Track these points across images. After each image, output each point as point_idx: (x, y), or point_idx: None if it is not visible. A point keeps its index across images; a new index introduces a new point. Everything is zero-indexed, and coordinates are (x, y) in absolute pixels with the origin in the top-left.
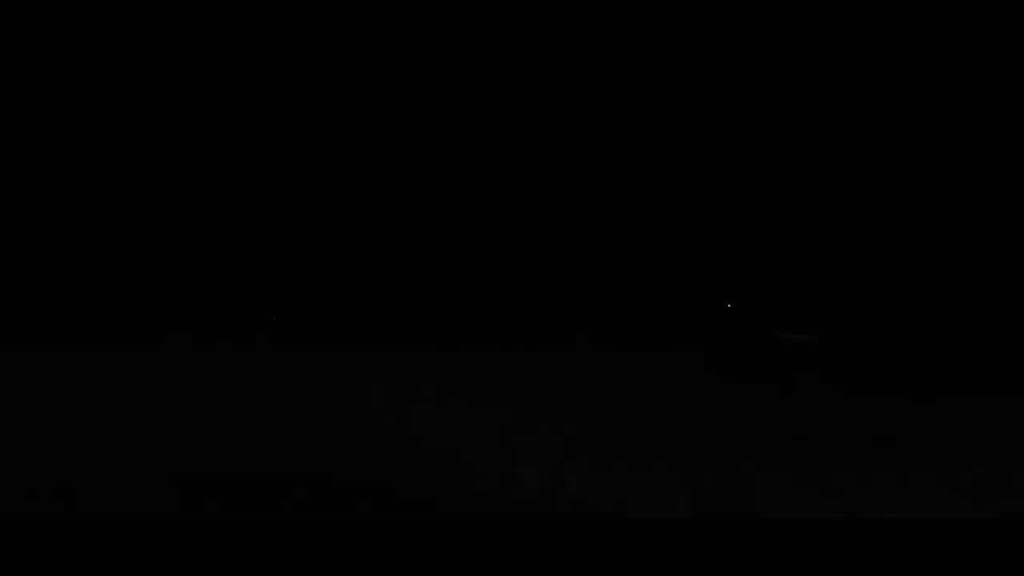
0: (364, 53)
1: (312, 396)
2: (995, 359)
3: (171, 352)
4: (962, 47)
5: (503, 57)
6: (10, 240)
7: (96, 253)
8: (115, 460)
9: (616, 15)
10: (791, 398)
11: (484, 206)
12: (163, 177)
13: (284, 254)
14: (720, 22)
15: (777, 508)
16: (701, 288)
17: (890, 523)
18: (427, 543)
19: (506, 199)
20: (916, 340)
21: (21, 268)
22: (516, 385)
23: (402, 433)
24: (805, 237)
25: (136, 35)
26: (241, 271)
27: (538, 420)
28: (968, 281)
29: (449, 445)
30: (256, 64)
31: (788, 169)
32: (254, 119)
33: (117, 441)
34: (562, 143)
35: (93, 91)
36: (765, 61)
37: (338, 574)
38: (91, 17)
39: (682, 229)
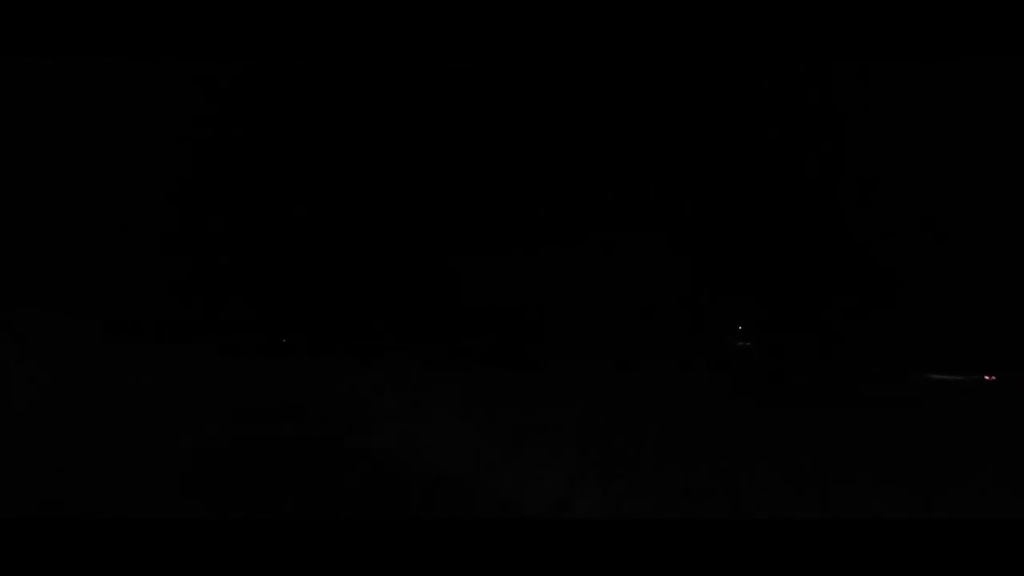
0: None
1: (306, 410)
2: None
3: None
4: (962, 47)
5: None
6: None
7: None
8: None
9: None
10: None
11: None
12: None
13: (294, 265)
14: (711, 20)
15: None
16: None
17: (886, 523)
18: (427, 543)
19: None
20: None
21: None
22: (519, 401)
23: (405, 449)
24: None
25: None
26: (248, 282)
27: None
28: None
29: (452, 463)
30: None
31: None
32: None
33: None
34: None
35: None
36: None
37: (338, 574)
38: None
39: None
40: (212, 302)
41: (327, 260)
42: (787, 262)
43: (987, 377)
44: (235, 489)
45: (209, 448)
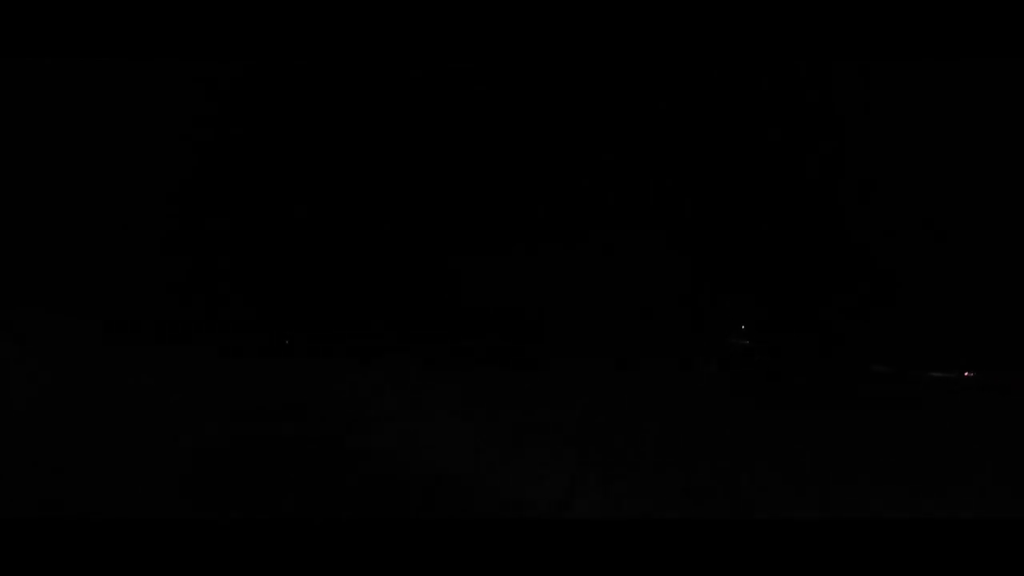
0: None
1: (306, 410)
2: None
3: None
4: (962, 47)
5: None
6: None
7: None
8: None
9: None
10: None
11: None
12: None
13: (296, 265)
14: (709, 20)
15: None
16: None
17: (886, 523)
18: (428, 543)
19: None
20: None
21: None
22: (519, 401)
23: (405, 449)
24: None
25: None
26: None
27: (542, 438)
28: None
29: (452, 463)
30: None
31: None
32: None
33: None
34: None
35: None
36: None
37: (338, 574)
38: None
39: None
40: (212, 302)
41: (327, 260)
42: (787, 262)
43: (966, 374)
44: (235, 489)
45: (209, 448)
